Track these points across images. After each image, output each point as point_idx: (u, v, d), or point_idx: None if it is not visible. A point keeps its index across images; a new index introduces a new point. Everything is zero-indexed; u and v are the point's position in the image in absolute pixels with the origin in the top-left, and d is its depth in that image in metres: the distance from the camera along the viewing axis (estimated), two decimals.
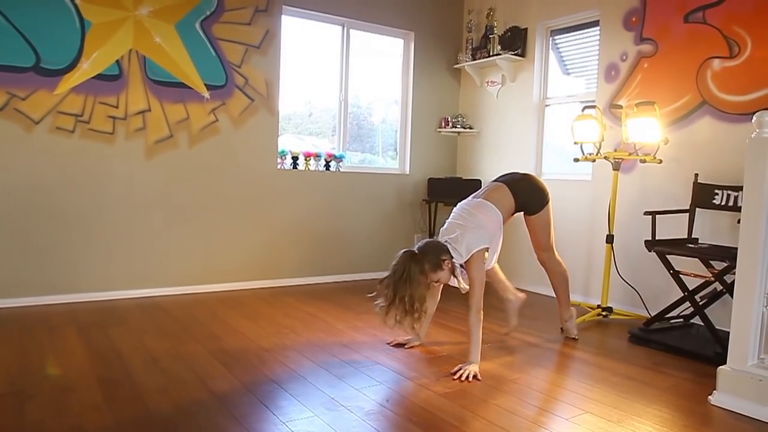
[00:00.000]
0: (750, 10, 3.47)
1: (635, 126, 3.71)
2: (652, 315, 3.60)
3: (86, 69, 3.89)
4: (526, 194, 3.15)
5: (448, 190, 5.25)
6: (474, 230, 2.88)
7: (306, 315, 3.80)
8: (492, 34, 5.13)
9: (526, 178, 3.24)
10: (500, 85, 5.22)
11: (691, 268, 3.40)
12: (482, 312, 2.84)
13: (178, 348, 3.00)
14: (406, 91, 5.47)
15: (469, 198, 3.11)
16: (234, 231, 4.53)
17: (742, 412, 2.34)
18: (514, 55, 4.94)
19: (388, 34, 5.35)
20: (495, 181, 3.23)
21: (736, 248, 2.42)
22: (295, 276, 4.84)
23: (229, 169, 4.48)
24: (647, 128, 3.66)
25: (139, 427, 2.09)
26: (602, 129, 3.93)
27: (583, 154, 4.04)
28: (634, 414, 2.32)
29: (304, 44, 4.94)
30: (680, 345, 3.19)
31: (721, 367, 2.46)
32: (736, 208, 3.30)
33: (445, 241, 2.88)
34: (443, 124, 5.57)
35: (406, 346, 3.13)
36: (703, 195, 3.57)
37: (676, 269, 3.34)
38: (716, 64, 3.64)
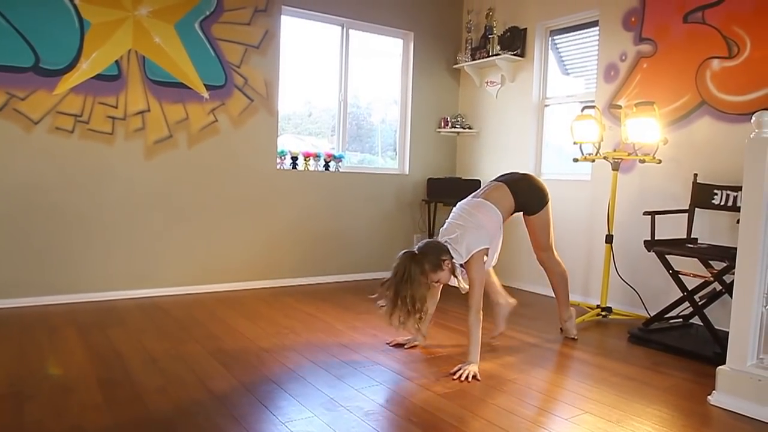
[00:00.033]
0: (749, 11, 3.47)
1: (634, 126, 3.71)
2: (652, 315, 3.60)
3: (85, 69, 3.89)
4: (525, 194, 3.15)
5: (447, 190, 5.25)
6: (474, 230, 2.88)
7: (305, 315, 3.80)
8: (491, 34, 5.13)
9: (525, 178, 3.24)
10: (499, 85, 5.22)
11: (690, 268, 3.40)
12: (482, 312, 2.84)
13: (178, 348, 2.99)
14: (406, 92, 5.47)
15: (469, 197, 3.10)
16: (233, 231, 4.53)
17: (741, 412, 2.34)
18: (514, 55, 4.94)
19: (388, 35, 5.35)
20: (494, 180, 3.22)
21: (736, 248, 2.42)
22: (294, 276, 4.84)
23: (228, 169, 4.48)
24: (646, 128, 3.66)
25: (139, 427, 2.09)
26: (601, 129, 3.93)
27: (583, 154, 4.04)
28: (633, 414, 2.32)
29: (304, 44, 4.94)
30: (679, 345, 3.19)
31: (720, 367, 2.46)
32: (736, 208, 3.30)
33: (445, 242, 2.88)
34: (442, 124, 5.57)
35: (405, 346, 3.13)
36: (702, 195, 3.57)
37: (676, 269, 3.34)
38: (715, 64, 3.64)
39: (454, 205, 3.11)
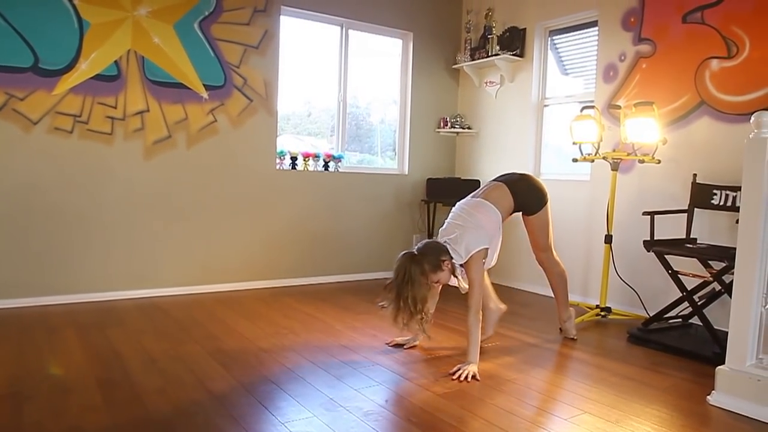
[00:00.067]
0: (748, 11, 3.47)
1: (634, 126, 3.71)
2: (651, 315, 3.60)
3: (85, 69, 3.88)
4: (525, 194, 3.14)
5: (446, 190, 5.25)
6: (473, 231, 2.87)
7: (305, 315, 3.80)
8: (490, 34, 5.13)
9: (524, 178, 3.24)
10: (499, 86, 5.22)
11: (689, 268, 3.40)
12: (481, 312, 2.84)
13: (177, 348, 2.99)
14: (405, 92, 5.47)
15: (468, 197, 3.10)
16: (233, 231, 4.53)
17: (740, 412, 2.34)
18: (513, 55, 4.94)
19: (387, 35, 5.35)
20: (494, 180, 3.22)
21: (735, 248, 2.42)
22: (293, 276, 4.84)
23: (227, 169, 4.48)
24: (646, 128, 3.67)
25: (138, 427, 2.09)
26: (601, 129, 3.93)
27: (582, 154, 4.04)
28: (632, 414, 2.33)
29: (303, 44, 4.94)
30: (679, 345, 3.19)
31: (719, 367, 2.46)
32: (735, 208, 3.30)
33: (445, 242, 2.88)
34: (442, 124, 5.57)
35: (404, 347, 3.13)
36: (701, 195, 3.58)
37: (675, 269, 3.34)
38: (714, 64, 3.65)
39: (454, 205, 3.10)
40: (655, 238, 3.48)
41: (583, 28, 4.62)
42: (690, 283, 3.34)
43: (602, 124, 4.02)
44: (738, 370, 2.38)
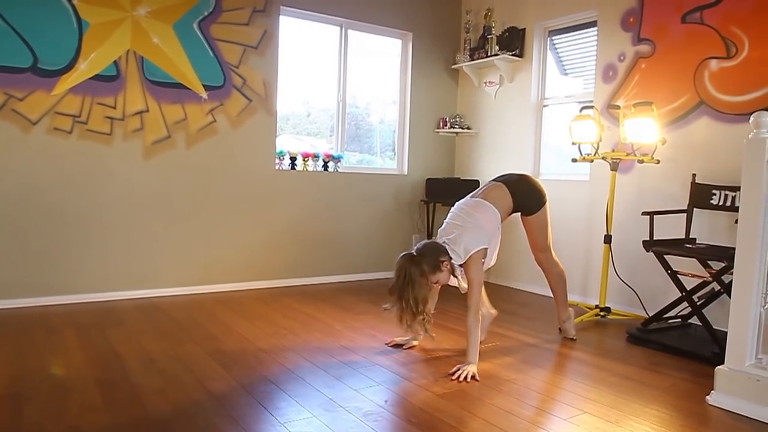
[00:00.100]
0: (747, 11, 3.48)
1: (633, 126, 3.72)
2: (650, 315, 3.60)
3: (84, 69, 3.88)
4: (524, 194, 3.15)
5: (446, 190, 5.25)
6: (472, 231, 2.87)
7: (304, 316, 3.80)
8: (490, 34, 5.13)
9: (523, 178, 3.25)
10: (498, 86, 5.22)
11: (688, 268, 3.40)
12: (480, 313, 2.84)
13: (176, 349, 2.99)
14: (404, 92, 5.47)
15: (467, 197, 3.10)
16: (232, 232, 4.53)
17: (739, 412, 2.34)
18: (512, 55, 4.95)
19: (386, 35, 5.35)
20: (493, 181, 3.22)
21: (734, 248, 2.43)
22: (293, 276, 4.84)
23: (227, 169, 4.48)
24: (645, 128, 3.67)
25: (137, 428, 2.09)
26: (600, 129, 3.94)
27: (581, 154, 4.04)
28: (632, 414, 2.33)
29: (302, 45, 4.94)
30: (678, 345, 3.19)
31: (718, 367, 2.46)
32: (734, 209, 3.30)
33: (443, 242, 2.88)
34: (441, 124, 5.57)
35: (404, 347, 3.13)
36: (700, 195, 3.58)
37: (674, 269, 3.34)
38: (714, 64, 3.65)
39: (453, 206, 3.10)
40: (655, 238, 3.48)
41: (583, 29, 4.63)
42: (689, 283, 3.34)
43: (601, 125, 4.02)
44: (737, 370, 2.38)
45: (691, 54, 3.76)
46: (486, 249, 2.89)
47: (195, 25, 4.25)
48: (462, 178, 5.55)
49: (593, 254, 4.33)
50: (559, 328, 3.50)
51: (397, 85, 5.49)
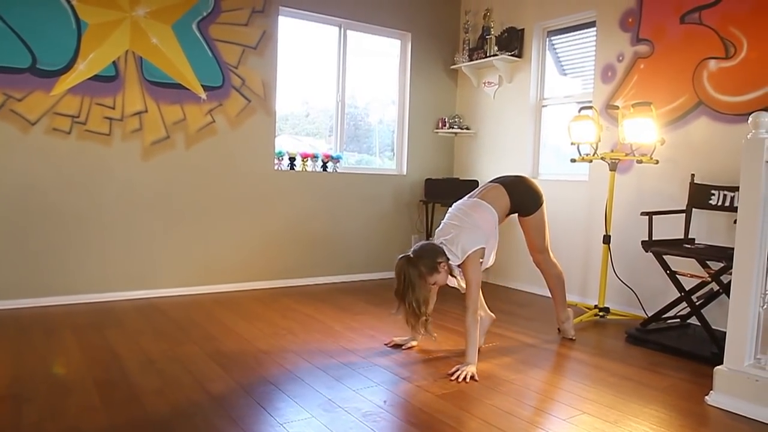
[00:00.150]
0: (746, 11, 3.48)
1: (632, 126, 3.72)
2: (649, 315, 3.60)
3: (82, 70, 3.88)
4: (521, 195, 3.15)
5: (445, 190, 5.25)
6: (469, 231, 2.88)
7: (303, 316, 3.80)
8: (489, 34, 5.13)
9: (521, 179, 3.25)
10: (497, 86, 5.22)
11: (687, 268, 3.41)
12: (479, 313, 2.84)
13: (175, 349, 2.99)
14: (403, 92, 5.47)
15: (465, 198, 3.10)
16: (231, 232, 4.53)
17: (738, 412, 2.34)
18: (511, 55, 4.95)
19: (385, 35, 5.35)
20: (490, 182, 3.23)
21: (733, 248, 2.43)
22: (292, 277, 4.84)
23: (226, 170, 4.48)
24: (644, 129, 3.67)
25: (136, 428, 2.08)
26: (599, 130, 3.94)
27: (580, 154, 4.04)
28: (631, 414, 2.33)
29: (301, 45, 4.94)
30: (677, 345, 3.19)
31: (717, 367, 2.46)
32: (733, 209, 3.31)
33: (441, 243, 2.88)
34: (440, 124, 5.57)
35: (403, 347, 3.13)
36: (699, 195, 3.58)
37: (673, 269, 3.34)
38: (712, 64, 3.65)
39: (451, 206, 3.11)
40: (654, 239, 3.48)
41: (582, 29, 4.63)
42: (688, 284, 3.34)
43: (600, 125, 4.03)
44: (736, 370, 2.39)
45: (689, 54, 3.76)
46: (483, 249, 2.88)
47: (194, 26, 4.25)
48: (461, 178, 5.55)
49: (592, 254, 4.33)
50: (558, 329, 3.50)
51: (396, 85, 5.49)
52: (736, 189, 3.25)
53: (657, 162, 3.74)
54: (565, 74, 4.94)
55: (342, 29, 5.08)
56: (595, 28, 4.40)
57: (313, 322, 3.64)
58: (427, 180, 5.41)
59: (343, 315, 3.85)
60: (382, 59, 5.45)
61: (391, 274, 2.94)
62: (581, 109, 4.16)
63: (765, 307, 2.39)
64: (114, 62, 3.98)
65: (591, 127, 3.90)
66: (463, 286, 2.90)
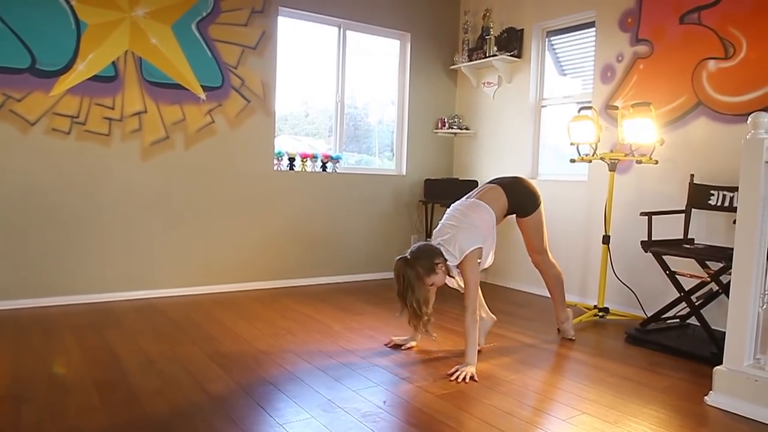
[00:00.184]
0: (745, 11, 3.48)
1: (631, 127, 3.72)
2: (649, 315, 3.60)
3: (82, 70, 3.88)
4: (519, 196, 3.16)
5: (444, 191, 5.25)
6: (467, 231, 2.88)
7: (303, 316, 3.80)
8: (488, 35, 5.14)
9: (518, 180, 3.26)
10: (496, 86, 5.22)
11: (687, 268, 3.41)
12: (478, 313, 2.84)
13: (175, 350, 2.99)
14: (403, 92, 5.47)
15: (462, 199, 3.11)
16: (230, 232, 4.53)
17: (738, 413, 2.35)
18: (511, 56, 4.95)
19: (385, 35, 5.36)
20: (488, 183, 3.24)
21: (732, 249, 2.43)
22: (291, 277, 4.84)
23: (225, 170, 4.48)
24: (643, 129, 3.67)
25: (136, 428, 2.08)
26: (598, 130, 3.94)
27: (580, 154, 4.04)
28: (630, 414, 2.33)
29: (301, 45, 4.94)
30: (676, 345, 3.20)
31: (717, 367, 2.46)
32: (732, 209, 3.31)
33: (438, 244, 2.88)
34: (440, 125, 5.57)
35: (402, 347, 3.13)
36: (698, 195, 3.58)
37: (672, 270, 3.35)
38: (712, 65, 3.65)
39: (449, 207, 3.12)
40: (653, 239, 3.49)
41: (581, 29, 4.63)
42: (688, 284, 3.34)
43: (600, 125, 4.03)
44: (735, 371, 2.39)
45: (689, 54, 3.76)
46: (481, 249, 2.88)
47: (193, 26, 4.25)
48: (460, 178, 5.55)
49: (592, 255, 4.33)
50: (558, 329, 3.50)
51: (396, 85, 5.49)
52: (735, 189, 3.25)
53: (656, 162, 3.74)
54: (565, 74, 4.94)
55: (341, 29, 5.08)
56: (594, 29, 4.40)
57: (312, 323, 3.64)
58: (427, 180, 5.41)
59: (343, 315, 3.85)
60: (382, 59, 5.45)
61: (391, 275, 2.94)
62: (581, 109, 4.16)
63: (764, 307, 2.39)
64: (113, 62, 3.98)
65: (590, 128, 3.90)
66: (462, 286, 2.90)
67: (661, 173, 3.91)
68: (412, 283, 2.76)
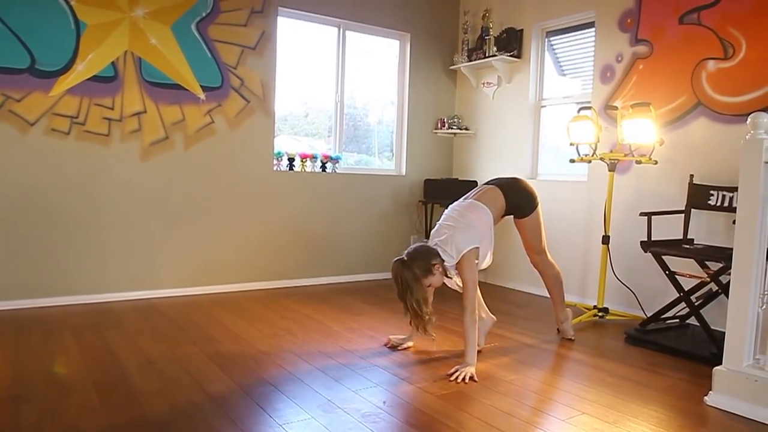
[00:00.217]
0: (744, 12, 3.48)
1: (631, 127, 3.72)
2: (648, 316, 3.61)
3: (81, 70, 3.88)
4: (517, 196, 3.17)
5: (444, 191, 5.25)
6: (464, 231, 2.88)
7: (302, 317, 3.79)
8: (488, 35, 5.14)
9: (516, 181, 3.26)
10: (496, 86, 5.22)
11: (686, 268, 3.41)
12: (477, 313, 2.84)
13: (174, 350, 2.99)
14: (402, 92, 5.47)
15: (460, 200, 3.12)
16: (230, 232, 4.53)
17: (737, 413, 2.35)
18: (510, 56, 4.95)
19: (384, 36, 5.36)
20: (485, 184, 3.24)
21: (732, 249, 2.43)
22: (291, 277, 4.84)
23: (225, 170, 4.48)
24: (643, 129, 3.67)
25: (135, 429, 2.08)
26: (598, 130, 3.94)
27: (579, 155, 4.04)
28: (630, 415, 2.33)
29: (300, 45, 4.94)
30: (676, 345, 3.20)
31: (716, 367, 2.47)
32: (732, 209, 3.31)
33: (435, 244, 2.88)
34: (439, 125, 5.57)
35: (400, 347, 3.13)
36: (698, 196, 3.58)
37: (672, 270, 3.35)
38: (711, 65, 3.66)
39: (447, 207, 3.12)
40: (653, 239, 3.49)
41: (580, 29, 4.63)
42: (687, 284, 3.35)
43: (599, 125, 4.03)
44: (735, 371, 2.39)
45: (688, 55, 3.77)
46: (478, 249, 2.88)
47: (193, 26, 4.25)
48: (460, 178, 5.55)
49: (591, 255, 4.33)
50: (557, 329, 3.50)
51: (395, 85, 5.49)
52: (735, 189, 3.25)
53: (656, 162, 3.74)
54: (564, 75, 4.95)
55: (341, 29, 5.08)
56: (594, 29, 4.41)
57: (312, 323, 3.64)
58: (426, 180, 5.41)
59: (343, 315, 3.85)
60: (381, 60, 5.45)
61: (390, 275, 2.93)
62: (580, 109, 4.16)
63: (764, 307, 2.39)
64: (113, 63, 3.98)
65: (590, 128, 3.90)
66: (461, 286, 2.90)
67: (661, 173, 3.91)
68: (410, 284, 2.77)
